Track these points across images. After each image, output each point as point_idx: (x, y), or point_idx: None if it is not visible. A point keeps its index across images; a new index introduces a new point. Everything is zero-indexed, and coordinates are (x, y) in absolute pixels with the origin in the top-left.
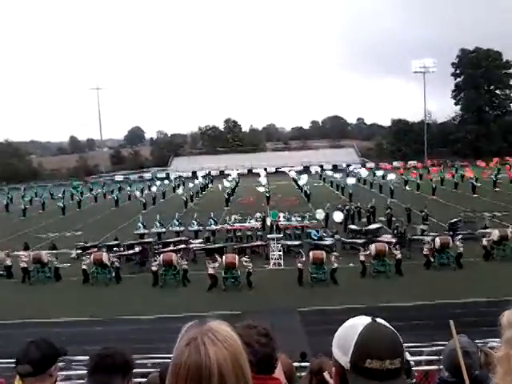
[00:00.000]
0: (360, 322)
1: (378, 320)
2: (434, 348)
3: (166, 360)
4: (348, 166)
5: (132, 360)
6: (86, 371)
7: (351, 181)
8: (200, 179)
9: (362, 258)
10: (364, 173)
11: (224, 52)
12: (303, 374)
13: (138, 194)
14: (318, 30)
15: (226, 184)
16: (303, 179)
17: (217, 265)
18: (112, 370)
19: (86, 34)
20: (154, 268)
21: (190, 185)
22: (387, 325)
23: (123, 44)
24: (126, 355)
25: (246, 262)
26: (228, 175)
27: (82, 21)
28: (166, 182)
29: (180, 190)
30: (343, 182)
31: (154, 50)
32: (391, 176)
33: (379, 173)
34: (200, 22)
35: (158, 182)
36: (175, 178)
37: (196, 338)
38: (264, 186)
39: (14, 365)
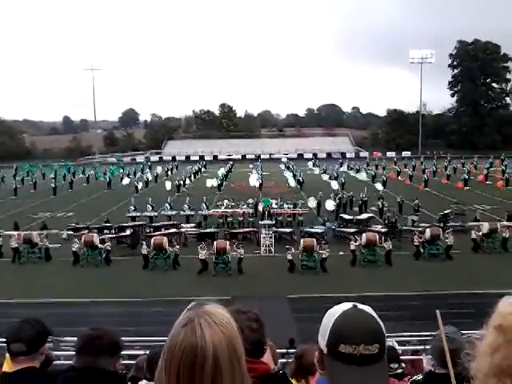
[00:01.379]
0: (340, 308)
1: (360, 306)
2: (421, 338)
3: (154, 343)
4: (343, 155)
5: (121, 341)
6: (74, 351)
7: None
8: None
9: (352, 247)
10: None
11: (221, 37)
12: (290, 360)
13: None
14: (315, 18)
15: (214, 182)
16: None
17: (205, 252)
18: (100, 350)
19: (82, 14)
20: (144, 251)
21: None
22: (368, 311)
23: (120, 25)
24: (115, 336)
25: (237, 248)
26: (224, 160)
27: (78, 1)
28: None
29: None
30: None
31: (151, 32)
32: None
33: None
34: (197, 7)
35: (148, 171)
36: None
37: (193, 320)
38: (256, 178)
39: (5, 344)
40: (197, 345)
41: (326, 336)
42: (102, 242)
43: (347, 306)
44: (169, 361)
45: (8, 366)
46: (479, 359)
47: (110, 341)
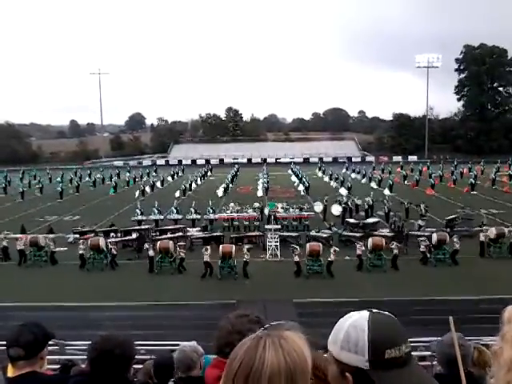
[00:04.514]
0: (361, 317)
1: (374, 310)
2: (427, 344)
3: (159, 347)
4: (349, 159)
5: (134, 351)
6: (79, 356)
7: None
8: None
9: (358, 251)
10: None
11: (227, 41)
12: None
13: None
14: (321, 22)
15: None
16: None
17: (208, 252)
18: (113, 362)
19: (89, 18)
20: (150, 253)
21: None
22: (382, 312)
23: (126, 29)
24: (129, 348)
25: (246, 251)
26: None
27: (84, 4)
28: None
29: (189, 176)
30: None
31: (157, 37)
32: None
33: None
34: (203, 11)
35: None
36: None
37: (261, 337)
38: (262, 184)
39: (5, 348)
40: (253, 363)
41: (364, 351)
42: (108, 247)
43: (363, 313)
44: (228, 369)
45: (11, 371)
46: (499, 374)
47: (123, 352)
